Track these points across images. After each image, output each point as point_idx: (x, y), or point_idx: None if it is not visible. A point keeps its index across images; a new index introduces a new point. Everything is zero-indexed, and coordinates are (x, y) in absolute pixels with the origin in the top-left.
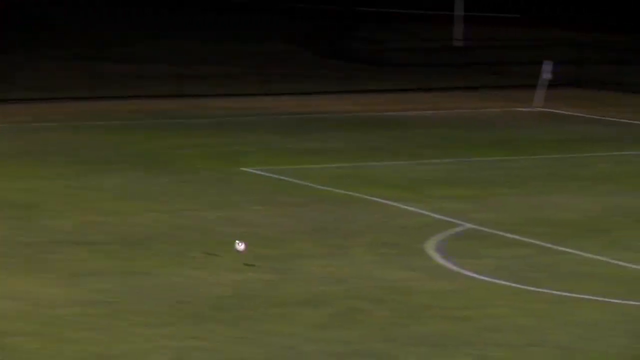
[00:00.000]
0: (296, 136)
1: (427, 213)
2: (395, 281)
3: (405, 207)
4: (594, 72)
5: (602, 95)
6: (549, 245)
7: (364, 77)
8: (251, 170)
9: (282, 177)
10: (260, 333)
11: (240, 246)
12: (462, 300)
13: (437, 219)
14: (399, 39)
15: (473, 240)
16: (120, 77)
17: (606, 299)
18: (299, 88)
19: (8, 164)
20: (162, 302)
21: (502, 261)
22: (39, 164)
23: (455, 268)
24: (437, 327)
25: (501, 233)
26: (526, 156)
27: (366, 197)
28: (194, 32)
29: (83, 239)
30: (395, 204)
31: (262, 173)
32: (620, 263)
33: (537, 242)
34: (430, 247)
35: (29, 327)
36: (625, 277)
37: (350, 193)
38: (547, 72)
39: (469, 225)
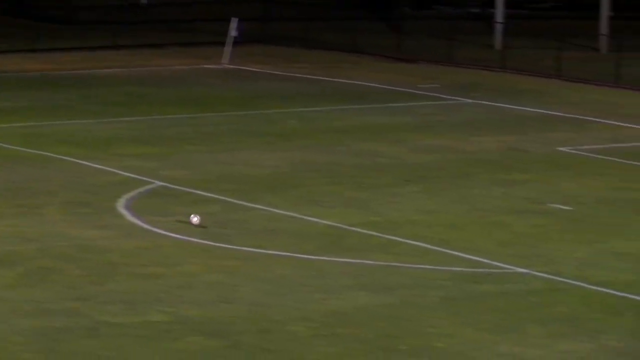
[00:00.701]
0: None
1: (117, 171)
2: (87, 240)
3: (95, 165)
4: (280, 28)
5: (288, 52)
6: (239, 201)
7: (51, 36)
8: None
9: None
10: None
11: (195, 219)
12: (153, 258)
13: (127, 177)
14: None
15: (163, 198)
16: None
17: (296, 255)
18: None
19: None
20: None
21: None
22: None
23: (146, 226)
24: (129, 285)
25: (191, 190)
26: (214, 113)
27: (56, 156)
28: None
29: None
30: (85, 162)
31: None
32: (310, 219)
33: (227, 199)
34: (121, 206)
35: None
36: (315, 232)
37: (40, 152)
38: (233, 29)
39: (159, 183)
